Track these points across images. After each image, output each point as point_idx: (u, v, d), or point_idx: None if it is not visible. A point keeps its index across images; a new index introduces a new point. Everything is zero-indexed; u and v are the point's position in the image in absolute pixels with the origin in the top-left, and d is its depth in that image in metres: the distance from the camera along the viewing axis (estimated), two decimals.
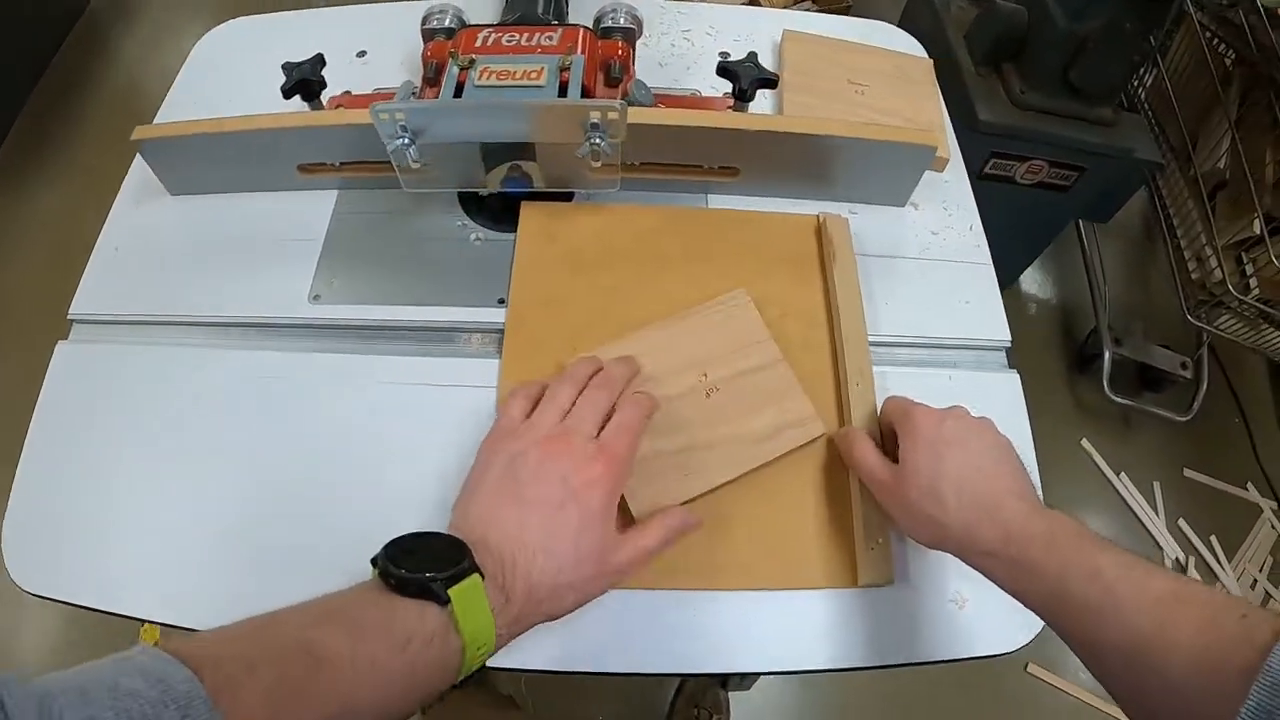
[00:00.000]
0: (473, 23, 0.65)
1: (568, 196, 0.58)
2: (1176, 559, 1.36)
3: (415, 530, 0.36)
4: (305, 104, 0.59)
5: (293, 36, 0.73)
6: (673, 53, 0.70)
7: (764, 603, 0.46)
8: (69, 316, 0.57)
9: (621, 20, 0.60)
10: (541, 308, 0.54)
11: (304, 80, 0.58)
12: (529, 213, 0.58)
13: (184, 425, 0.51)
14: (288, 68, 0.58)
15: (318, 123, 0.55)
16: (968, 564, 0.41)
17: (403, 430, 0.51)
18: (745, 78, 0.54)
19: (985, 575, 0.40)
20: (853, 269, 0.55)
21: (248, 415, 0.51)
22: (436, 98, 0.59)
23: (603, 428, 0.42)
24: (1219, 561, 1.36)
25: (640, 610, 0.46)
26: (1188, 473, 1.44)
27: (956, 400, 0.45)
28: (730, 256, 0.57)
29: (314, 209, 0.60)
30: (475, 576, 0.34)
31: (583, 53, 0.55)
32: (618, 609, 0.45)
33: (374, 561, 0.35)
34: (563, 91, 0.52)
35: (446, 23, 0.62)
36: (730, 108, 0.63)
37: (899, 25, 1.52)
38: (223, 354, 0.54)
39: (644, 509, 0.45)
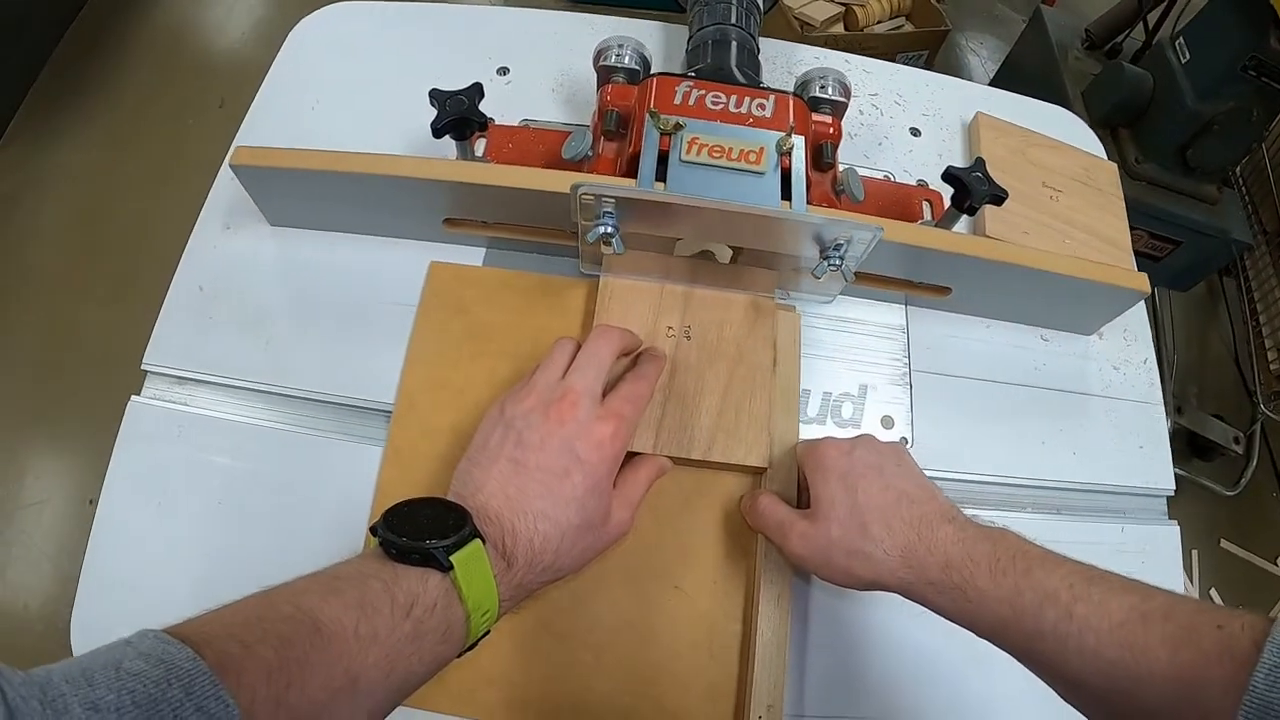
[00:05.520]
0: (653, 62, 0.57)
1: None
2: None
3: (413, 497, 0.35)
4: (455, 142, 0.51)
5: (410, 34, 0.64)
6: (862, 122, 0.62)
7: None
8: (142, 366, 0.49)
9: (831, 91, 0.53)
10: (435, 391, 0.47)
11: (461, 119, 0.49)
12: (436, 272, 0.51)
13: (279, 520, 0.45)
14: (438, 97, 0.50)
15: (490, 181, 0.47)
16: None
17: None
18: (978, 194, 0.48)
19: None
20: (794, 367, 0.49)
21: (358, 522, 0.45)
22: (619, 152, 0.52)
23: (606, 386, 0.41)
24: None
25: None
26: (1224, 544, 1.45)
27: (1126, 553, 0.41)
28: None
29: None
30: (477, 542, 0.34)
31: (801, 131, 0.48)
32: None
33: (373, 530, 0.34)
34: (785, 179, 0.46)
35: (627, 61, 0.54)
36: (933, 208, 0.57)
37: (1004, 64, 1.47)
38: (333, 443, 0.47)
39: None
